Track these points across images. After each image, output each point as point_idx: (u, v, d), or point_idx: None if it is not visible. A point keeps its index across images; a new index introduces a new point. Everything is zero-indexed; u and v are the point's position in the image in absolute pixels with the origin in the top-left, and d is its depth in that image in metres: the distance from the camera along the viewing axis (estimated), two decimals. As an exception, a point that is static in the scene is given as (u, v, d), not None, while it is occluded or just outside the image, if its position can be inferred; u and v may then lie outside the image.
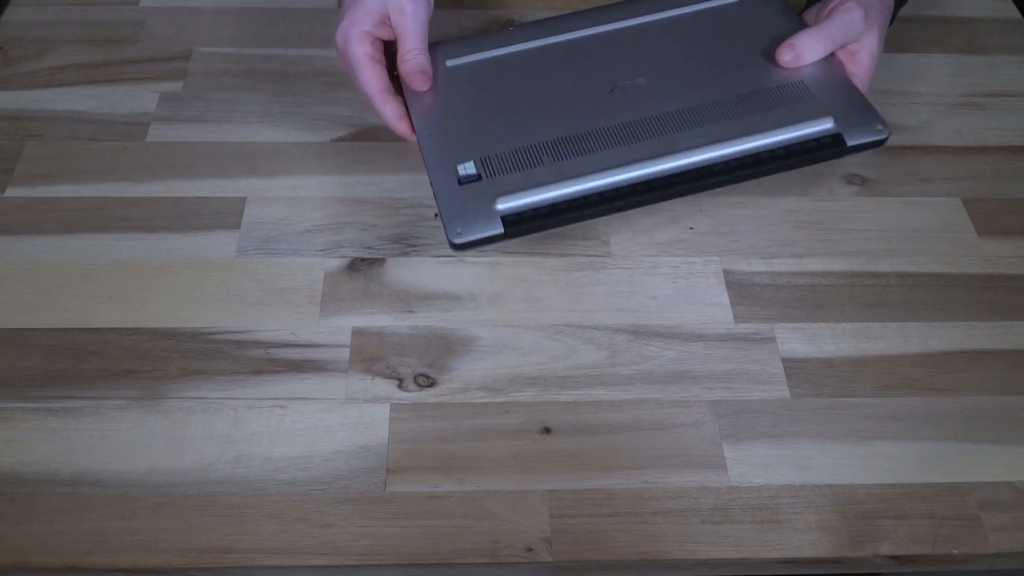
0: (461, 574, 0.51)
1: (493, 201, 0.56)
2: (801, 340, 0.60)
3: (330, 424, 0.55)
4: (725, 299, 0.62)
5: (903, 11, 0.85)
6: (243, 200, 0.66)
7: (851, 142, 0.59)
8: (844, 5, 0.62)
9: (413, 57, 0.63)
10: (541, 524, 0.51)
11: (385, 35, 0.63)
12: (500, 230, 0.56)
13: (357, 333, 0.59)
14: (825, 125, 0.59)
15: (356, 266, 0.62)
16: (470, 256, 0.63)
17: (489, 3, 0.83)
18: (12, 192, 0.66)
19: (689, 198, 0.67)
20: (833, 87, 0.61)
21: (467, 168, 0.58)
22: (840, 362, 0.59)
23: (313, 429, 0.54)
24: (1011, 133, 0.74)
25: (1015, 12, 0.85)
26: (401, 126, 0.62)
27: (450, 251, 0.63)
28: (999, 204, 0.68)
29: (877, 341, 0.60)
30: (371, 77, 0.61)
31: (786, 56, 0.62)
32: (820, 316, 0.61)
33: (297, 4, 0.82)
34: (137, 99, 0.73)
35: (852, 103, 0.61)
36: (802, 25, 0.65)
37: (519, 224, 0.56)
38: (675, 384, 0.57)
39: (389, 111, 0.62)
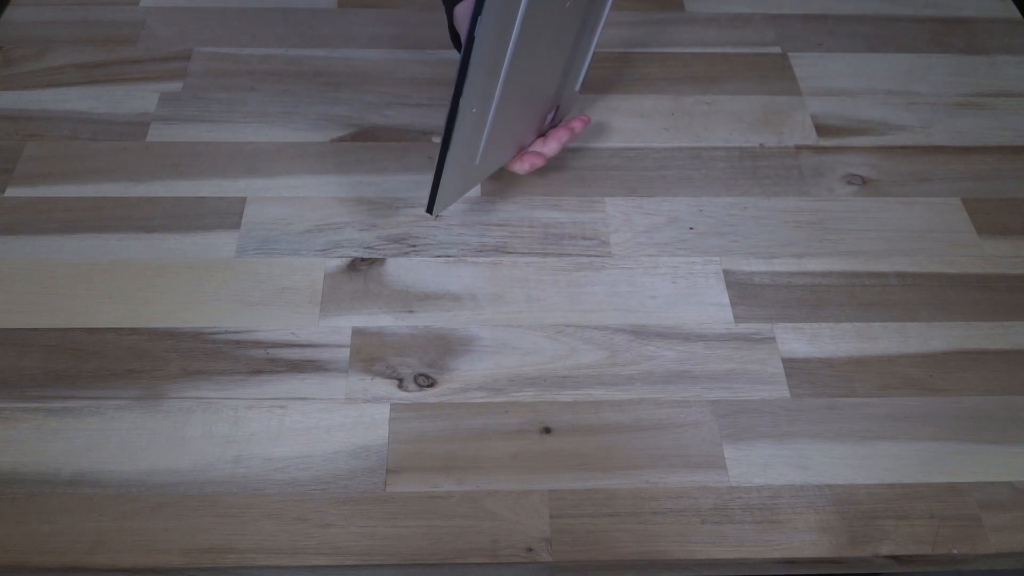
0: (461, 574, 0.51)
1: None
2: (801, 340, 0.60)
3: (330, 424, 0.55)
4: (725, 299, 0.62)
5: (904, 11, 0.85)
6: (243, 200, 0.66)
7: None
8: None
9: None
10: (541, 524, 0.51)
11: None
12: None
13: (357, 333, 0.59)
14: None
15: (356, 266, 0.62)
16: (470, 256, 0.63)
17: (489, 3, 0.83)
18: (12, 192, 0.66)
19: (689, 198, 0.67)
20: None
21: None
22: (840, 362, 0.59)
23: (313, 429, 0.54)
24: (1011, 133, 0.74)
25: (1015, 12, 0.85)
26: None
27: (450, 251, 0.63)
28: (999, 204, 0.68)
29: (877, 341, 0.60)
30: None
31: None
32: (820, 316, 0.61)
33: (297, 4, 0.82)
34: (137, 99, 0.73)
35: None
36: None
37: None
38: (675, 384, 0.57)
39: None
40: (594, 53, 0.64)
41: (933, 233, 0.66)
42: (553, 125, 0.66)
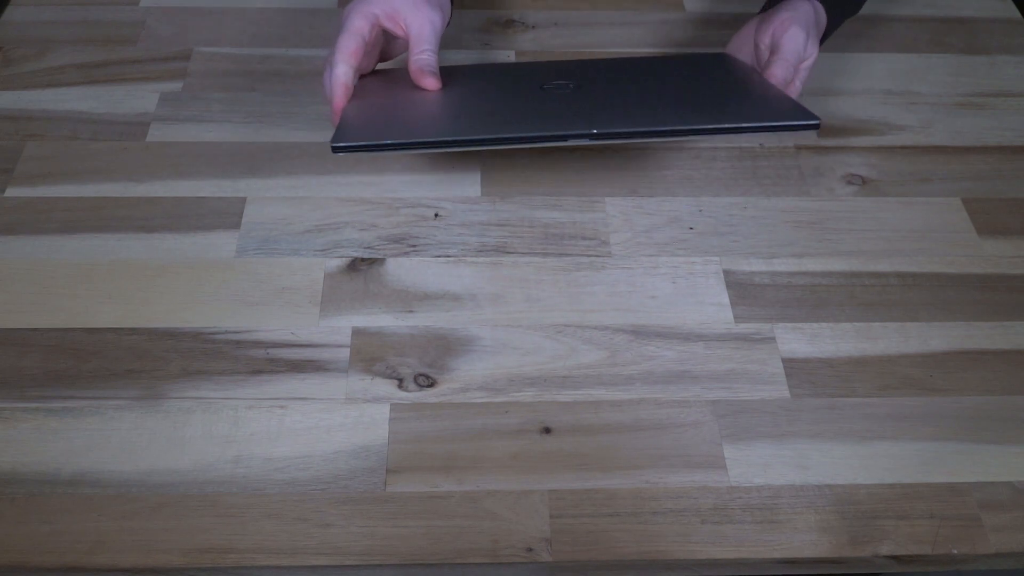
0: (461, 574, 0.51)
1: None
2: (801, 340, 0.60)
3: (330, 424, 0.55)
4: (725, 299, 0.62)
5: (904, 11, 0.85)
6: (243, 200, 0.66)
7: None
8: (789, 32, 0.63)
9: (423, 55, 0.62)
10: (541, 524, 0.51)
11: (390, 27, 0.61)
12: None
13: (357, 333, 0.59)
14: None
15: (356, 266, 0.62)
16: (470, 256, 0.63)
17: (489, 3, 0.84)
18: (12, 192, 0.66)
19: (689, 197, 0.67)
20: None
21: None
22: (840, 362, 0.59)
23: (313, 429, 0.54)
24: (1011, 133, 0.74)
25: (1015, 12, 0.85)
26: (338, 92, 0.60)
27: (450, 251, 0.63)
28: (999, 204, 0.68)
29: (877, 341, 0.60)
30: (348, 42, 0.59)
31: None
32: (820, 316, 0.61)
33: (297, 4, 0.82)
34: (137, 99, 0.73)
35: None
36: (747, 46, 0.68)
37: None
38: (675, 384, 0.57)
39: (339, 72, 0.59)
40: None
41: (933, 233, 0.66)
42: None
